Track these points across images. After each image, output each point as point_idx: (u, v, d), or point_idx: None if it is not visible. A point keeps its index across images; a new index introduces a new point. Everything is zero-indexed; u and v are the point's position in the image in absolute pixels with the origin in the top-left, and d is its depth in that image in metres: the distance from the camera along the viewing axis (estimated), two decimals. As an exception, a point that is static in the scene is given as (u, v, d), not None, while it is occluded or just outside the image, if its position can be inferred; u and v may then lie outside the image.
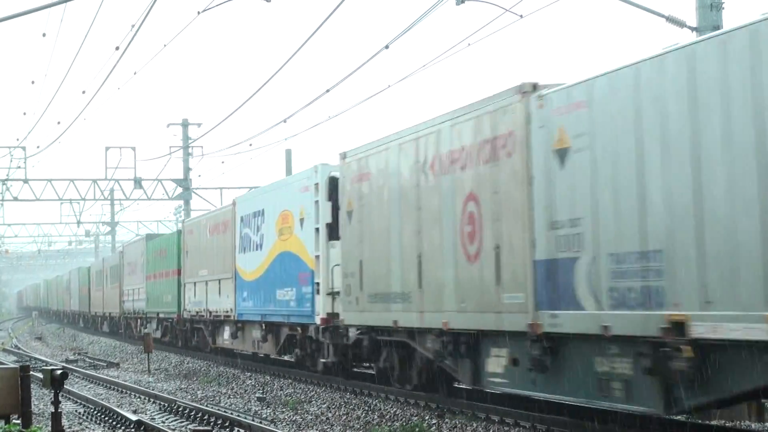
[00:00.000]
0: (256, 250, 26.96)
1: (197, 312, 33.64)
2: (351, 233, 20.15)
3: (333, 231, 22.17)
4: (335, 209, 22.00)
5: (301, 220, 23.45)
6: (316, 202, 22.58)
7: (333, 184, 22.28)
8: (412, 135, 17.77)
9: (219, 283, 30.88)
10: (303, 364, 24.37)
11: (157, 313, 41.32)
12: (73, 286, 75.64)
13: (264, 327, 26.46)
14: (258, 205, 27.01)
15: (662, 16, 18.86)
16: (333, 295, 21.74)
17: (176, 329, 38.17)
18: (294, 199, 23.94)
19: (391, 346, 19.21)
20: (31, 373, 15.20)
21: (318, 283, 22.40)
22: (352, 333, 20.40)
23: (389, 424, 16.51)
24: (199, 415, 18.07)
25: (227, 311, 29.86)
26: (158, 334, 41.70)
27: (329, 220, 22.25)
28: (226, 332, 30.56)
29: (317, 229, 22.50)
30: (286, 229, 24.48)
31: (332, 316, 21.88)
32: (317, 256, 22.50)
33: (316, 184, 22.60)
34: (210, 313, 31.84)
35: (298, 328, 23.78)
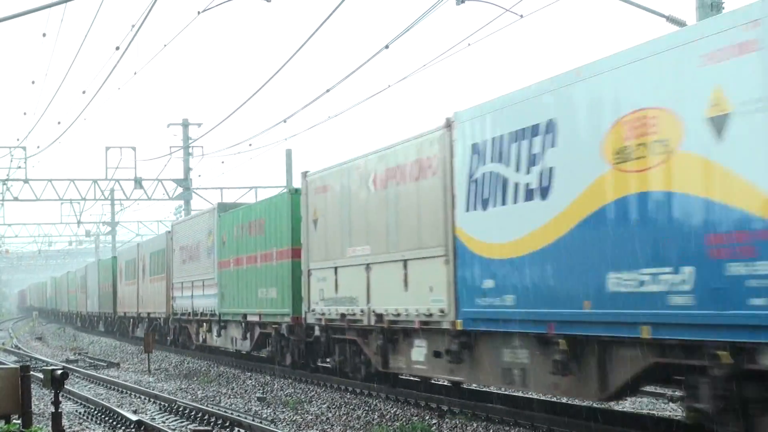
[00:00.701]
0: (526, 200, 14.33)
1: (343, 314, 20.81)
2: None
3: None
4: None
5: (716, 121, 10.87)
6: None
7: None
8: None
9: (404, 266, 18.20)
10: (707, 428, 11.56)
11: (244, 315, 28.52)
12: (90, 283, 63.05)
13: (567, 348, 13.56)
14: (524, 115, 14.35)
15: (662, 16, 19.94)
16: None
17: (288, 341, 25.24)
18: (679, 81, 11.31)
19: None
20: (32, 373, 15.19)
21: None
22: None
23: (389, 424, 16.26)
24: (200, 415, 18.11)
25: (426, 314, 17.14)
26: (246, 345, 28.85)
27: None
28: (419, 350, 17.82)
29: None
30: (645, 147, 11.85)
31: None
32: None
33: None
34: (378, 316, 19.09)
35: (715, 354, 10.88)
